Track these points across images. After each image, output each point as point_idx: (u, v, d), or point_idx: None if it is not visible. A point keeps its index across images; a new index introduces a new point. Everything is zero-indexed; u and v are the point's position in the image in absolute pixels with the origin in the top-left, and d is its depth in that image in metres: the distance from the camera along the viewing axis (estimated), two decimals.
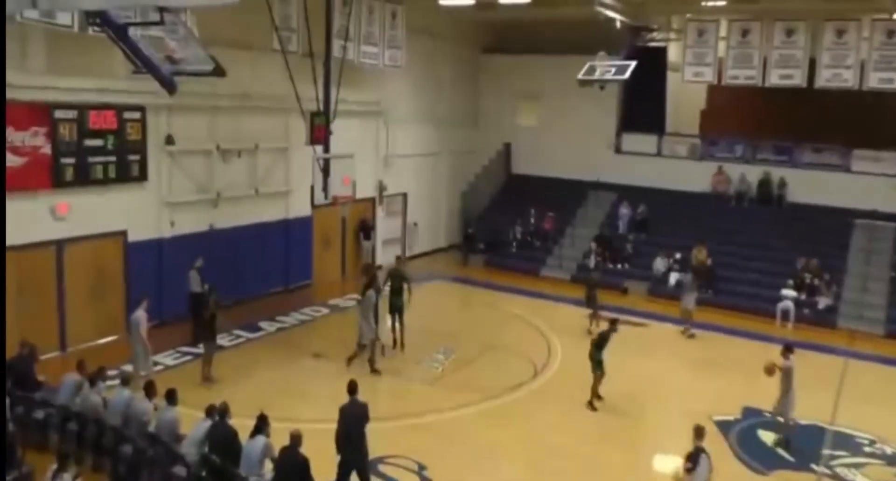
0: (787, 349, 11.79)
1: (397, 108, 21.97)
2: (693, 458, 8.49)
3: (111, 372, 11.63)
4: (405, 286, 15.10)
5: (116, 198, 14.81)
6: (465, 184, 25.83)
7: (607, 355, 12.91)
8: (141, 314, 12.41)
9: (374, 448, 10.88)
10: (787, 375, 11.47)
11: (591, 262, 20.03)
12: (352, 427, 9.27)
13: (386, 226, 22.59)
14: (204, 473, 8.87)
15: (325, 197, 15.05)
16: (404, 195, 23.25)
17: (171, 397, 9.66)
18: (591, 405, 12.82)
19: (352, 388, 9.58)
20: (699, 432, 8.77)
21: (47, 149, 13.40)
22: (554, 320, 17.45)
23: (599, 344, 12.94)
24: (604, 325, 13.88)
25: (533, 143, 25.32)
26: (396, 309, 15.17)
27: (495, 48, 25.95)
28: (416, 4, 20.18)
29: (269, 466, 8.81)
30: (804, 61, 19.42)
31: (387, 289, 15.06)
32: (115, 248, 15.10)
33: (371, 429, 11.56)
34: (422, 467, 10.52)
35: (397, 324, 15.28)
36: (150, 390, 9.97)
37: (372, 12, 18.73)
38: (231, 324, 15.58)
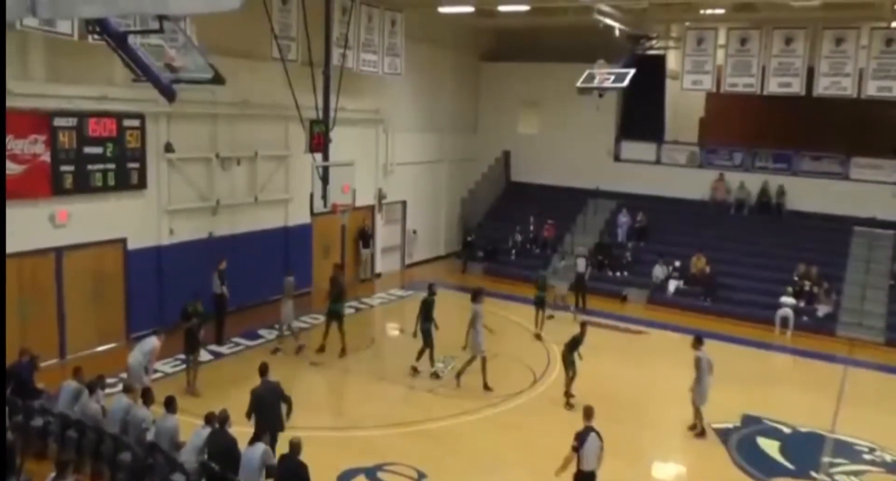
0: (698, 340, 12.34)
1: (397, 116, 22.02)
2: (580, 437, 8.84)
3: (110, 380, 11.62)
4: (343, 293, 15.29)
5: (116, 205, 14.82)
6: (464, 192, 25.87)
7: (578, 356, 13.28)
8: (155, 343, 12.04)
9: (375, 454, 10.92)
10: (697, 365, 12.03)
11: (582, 266, 20.01)
12: (265, 404, 9.83)
13: (385, 234, 22.60)
14: (203, 480, 8.84)
15: (325, 205, 15.06)
16: (403, 203, 23.27)
17: (170, 405, 9.63)
18: (568, 404, 12.99)
19: (262, 370, 10.28)
20: (587, 412, 9.25)
21: (46, 157, 13.41)
22: (552, 328, 17.41)
23: (572, 346, 13.29)
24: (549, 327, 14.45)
25: (532, 151, 25.35)
26: (335, 314, 15.17)
27: (495, 56, 26.03)
28: (415, 12, 20.26)
29: None
30: (803, 69, 19.50)
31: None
32: (114, 256, 15.10)
33: (371, 436, 11.62)
34: (421, 474, 10.49)
35: (334, 330, 15.27)
36: (146, 397, 9.93)
37: (371, 20, 18.81)
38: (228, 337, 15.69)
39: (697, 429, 12.25)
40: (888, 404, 14.34)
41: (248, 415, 9.78)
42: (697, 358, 12.10)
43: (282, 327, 15.36)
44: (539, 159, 25.20)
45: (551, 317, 17.85)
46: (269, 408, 9.83)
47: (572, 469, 8.98)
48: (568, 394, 13.18)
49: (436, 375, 14.20)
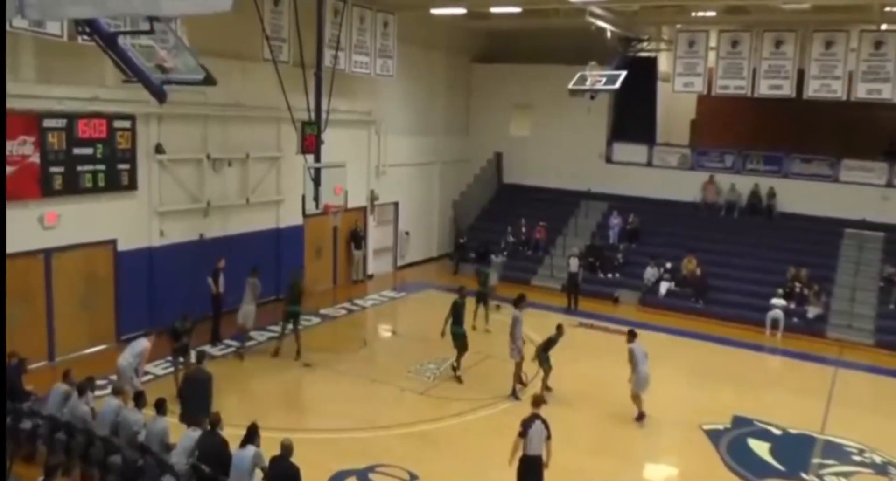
0: (631, 334, 13.10)
1: (389, 118, 22.01)
2: (525, 424, 9.22)
3: (100, 382, 11.56)
4: (300, 295, 15.24)
5: (106, 206, 14.75)
6: (456, 194, 25.86)
7: (553, 354, 13.63)
8: (146, 344, 11.91)
9: (367, 456, 10.90)
10: (631, 357, 12.63)
11: (574, 266, 20.11)
12: (191, 390, 10.61)
13: (377, 236, 22.58)
14: None
15: (317, 206, 15.03)
16: (395, 204, 23.25)
17: (161, 407, 9.59)
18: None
19: (199, 358, 11.13)
20: (535, 401, 9.74)
21: (36, 158, 13.33)
22: (544, 329, 17.31)
23: (546, 347, 13.60)
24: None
25: (524, 153, 25.39)
26: (293, 316, 15.02)
27: (487, 57, 26.05)
28: (407, 14, 20.25)
29: (259, 476, 8.75)
30: (793, 72, 19.59)
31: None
32: (104, 257, 15.02)
33: (363, 438, 11.62)
34: (413, 476, 10.47)
35: (290, 332, 15.14)
36: (139, 400, 9.89)
37: (363, 21, 18.78)
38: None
39: (638, 416, 12.72)
40: (878, 405, 14.43)
41: (179, 396, 10.74)
42: (630, 350, 12.64)
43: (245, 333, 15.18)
44: (531, 161, 25.23)
45: (498, 307, 18.13)
46: (193, 394, 10.41)
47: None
48: (545, 388, 13.30)
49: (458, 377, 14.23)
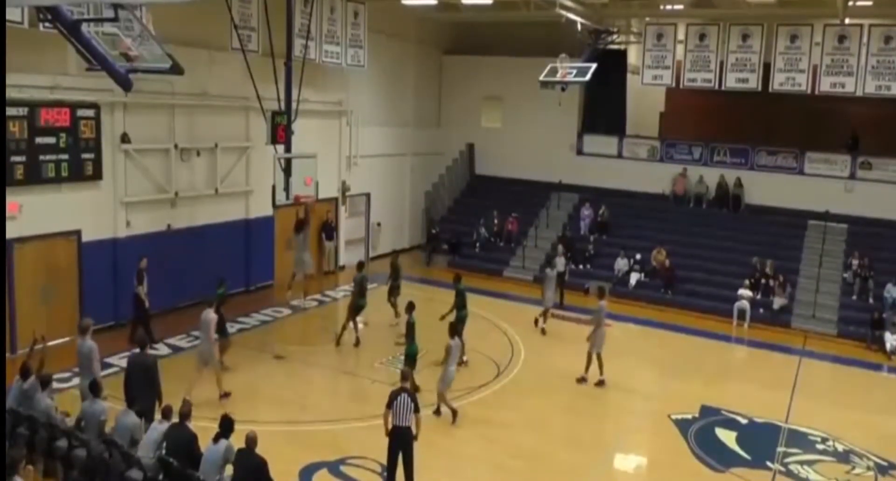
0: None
1: (360, 109, 21.85)
2: (391, 397, 9.55)
3: (64, 374, 11.35)
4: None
5: (70, 197, 14.47)
6: (428, 185, 25.82)
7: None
8: (212, 316, 12.15)
9: (338, 448, 10.86)
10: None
11: (561, 266, 20.11)
12: (133, 376, 10.43)
13: (349, 227, 22.45)
14: (161, 477, 8.68)
15: (287, 197, 14.87)
16: (367, 195, 23.14)
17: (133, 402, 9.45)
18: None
19: (141, 344, 10.90)
20: (403, 375, 9.98)
21: None
22: (517, 321, 17.51)
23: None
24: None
25: (496, 145, 25.41)
26: (360, 309, 15.59)
27: (458, 50, 25.99)
28: (378, 4, 20.11)
29: (229, 470, 8.66)
30: (759, 65, 19.84)
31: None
32: (68, 248, 14.75)
33: (334, 430, 11.57)
34: (384, 468, 10.44)
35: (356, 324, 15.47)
36: (95, 389, 9.65)
37: (333, 11, 18.61)
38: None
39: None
40: (840, 395, 14.74)
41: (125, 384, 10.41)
42: (449, 347, 12.28)
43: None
44: (503, 153, 25.25)
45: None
46: (135, 381, 10.32)
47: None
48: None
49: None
